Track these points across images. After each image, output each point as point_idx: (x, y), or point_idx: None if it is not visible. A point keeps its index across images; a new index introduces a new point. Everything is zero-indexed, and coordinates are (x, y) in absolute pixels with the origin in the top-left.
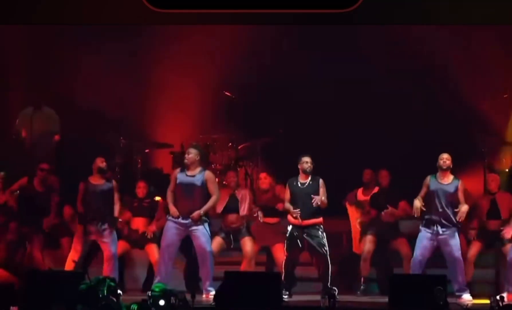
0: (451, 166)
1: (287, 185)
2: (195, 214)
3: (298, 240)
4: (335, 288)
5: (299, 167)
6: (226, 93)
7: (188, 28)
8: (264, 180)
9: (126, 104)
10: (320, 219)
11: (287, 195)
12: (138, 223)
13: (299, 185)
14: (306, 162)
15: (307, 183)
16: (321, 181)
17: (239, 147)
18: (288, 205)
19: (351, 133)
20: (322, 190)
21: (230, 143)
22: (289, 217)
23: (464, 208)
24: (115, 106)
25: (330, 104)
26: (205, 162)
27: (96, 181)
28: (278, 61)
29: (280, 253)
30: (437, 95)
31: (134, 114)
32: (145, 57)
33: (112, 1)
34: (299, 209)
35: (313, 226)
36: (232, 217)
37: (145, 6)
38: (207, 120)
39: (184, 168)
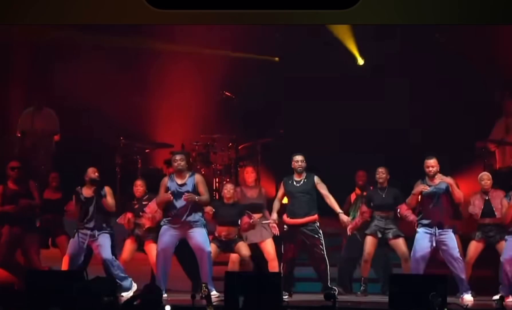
0: (439, 170)
1: (281, 183)
2: (189, 195)
3: (295, 240)
4: (335, 288)
5: (292, 166)
6: (226, 93)
7: (188, 28)
8: (251, 174)
9: (126, 104)
10: (316, 216)
11: (281, 193)
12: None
13: (294, 183)
14: (296, 161)
15: (302, 180)
16: (316, 177)
17: (239, 147)
18: (274, 207)
19: (351, 133)
20: (320, 185)
21: (230, 144)
22: (285, 217)
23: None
24: (115, 106)
25: (330, 104)
26: (193, 165)
27: (87, 192)
28: (278, 61)
29: (270, 248)
30: (437, 95)
31: (134, 114)
32: (145, 57)
33: (112, 1)
34: (274, 220)
35: (310, 224)
36: (228, 228)
37: (145, 6)
38: (207, 120)
39: (173, 175)
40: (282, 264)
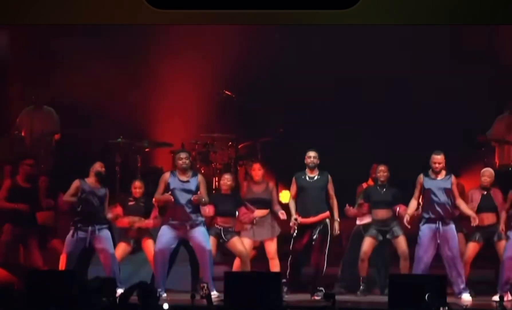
0: (444, 167)
1: (293, 178)
2: (198, 196)
3: (306, 238)
4: (322, 288)
5: (305, 161)
6: (226, 93)
7: (188, 27)
8: (258, 171)
9: (126, 104)
10: (328, 213)
11: (293, 189)
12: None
13: (308, 178)
14: (309, 156)
15: (316, 177)
16: (329, 175)
17: (239, 146)
18: (290, 206)
19: (351, 132)
20: (330, 185)
21: (230, 143)
22: (296, 215)
23: (469, 210)
24: (115, 106)
25: (330, 104)
26: (193, 164)
27: (92, 183)
28: (278, 61)
29: (272, 246)
30: (437, 94)
31: (134, 114)
32: (145, 56)
33: (112, 1)
34: (299, 219)
35: (321, 221)
36: (225, 218)
37: (145, 6)
38: (207, 119)
39: (175, 172)
40: (289, 261)
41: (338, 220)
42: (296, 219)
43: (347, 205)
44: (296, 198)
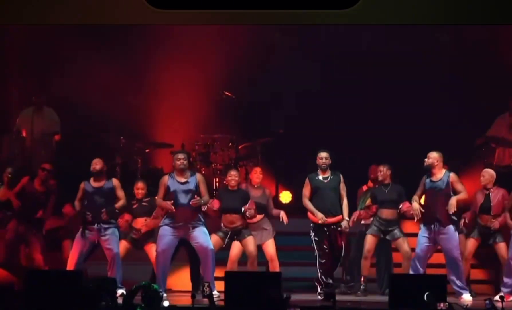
0: (436, 163)
1: (307, 180)
2: (196, 200)
3: (325, 238)
4: (331, 281)
5: (316, 162)
6: (226, 93)
7: (188, 28)
8: (259, 174)
9: (126, 104)
10: (340, 217)
11: (307, 190)
12: (140, 224)
13: (322, 179)
14: (321, 157)
15: (329, 177)
16: (341, 176)
17: (239, 147)
18: (309, 205)
19: (351, 132)
20: (342, 185)
21: (230, 143)
22: (310, 215)
23: (452, 200)
24: (116, 106)
25: (330, 104)
26: (193, 165)
27: (95, 182)
28: (278, 61)
29: (271, 248)
30: (439, 94)
31: (134, 114)
32: (145, 57)
33: (112, 1)
34: (323, 217)
35: (336, 223)
36: (231, 217)
37: (145, 6)
38: (207, 120)
39: (173, 174)
40: (317, 264)
41: (348, 219)
42: (323, 219)
43: (357, 211)
44: (311, 199)
